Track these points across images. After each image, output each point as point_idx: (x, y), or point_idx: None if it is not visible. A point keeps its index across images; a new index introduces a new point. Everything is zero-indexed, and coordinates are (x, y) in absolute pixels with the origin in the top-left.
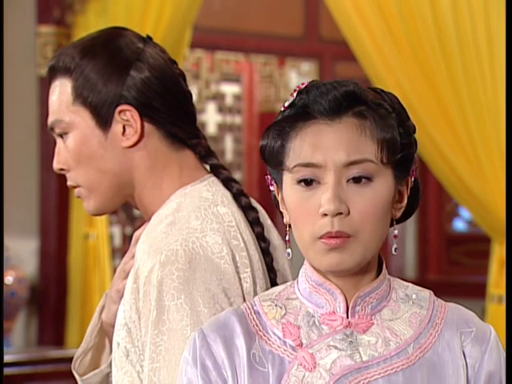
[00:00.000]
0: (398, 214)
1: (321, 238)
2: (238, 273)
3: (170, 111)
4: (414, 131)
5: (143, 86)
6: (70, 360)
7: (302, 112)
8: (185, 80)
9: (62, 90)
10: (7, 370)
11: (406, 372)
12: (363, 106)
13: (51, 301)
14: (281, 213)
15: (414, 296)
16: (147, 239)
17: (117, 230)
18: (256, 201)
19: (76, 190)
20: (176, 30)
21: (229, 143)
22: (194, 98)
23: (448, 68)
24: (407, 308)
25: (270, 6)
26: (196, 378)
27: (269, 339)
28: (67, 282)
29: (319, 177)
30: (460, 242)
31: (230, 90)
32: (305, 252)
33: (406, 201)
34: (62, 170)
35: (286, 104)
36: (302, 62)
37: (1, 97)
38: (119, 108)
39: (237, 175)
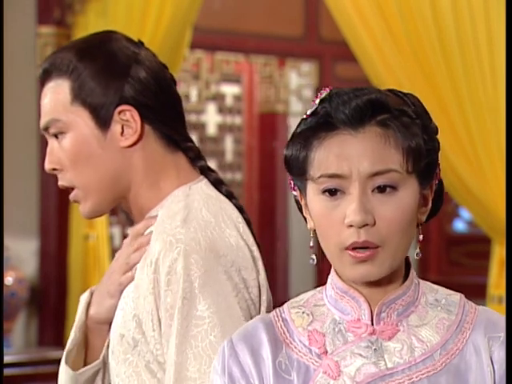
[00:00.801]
0: (423, 218)
1: (347, 248)
2: (255, 265)
3: (166, 113)
4: (437, 132)
5: (142, 87)
6: None
7: (324, 121)
8: (175, 84)
9: (58, 91)
10: (7, 371)
11: (431, 379)
12: (386, 114)
13: (51, 301)
14: (305, 218)
15: (443, 301)
16: (163, 232)
17: (117, 231)
18: (256, 201)
19: (72, 194)
20: (176, 31)
21: (229, 144)
22: (194, 98)
23: (448, 68)
24: (435, 313)
25: (270, 7)
26: None
27: (295, 347)
28: (67, 282)
29: (344, 187)
30: (460, 243)
31: (230, 90)
32: (332, 262)
33: (430, 204)
34: (54, 169)
35: (309, 112)
36: (302, 63)
37: (1, 97)
38: (119, 108)
39: (237, 176)
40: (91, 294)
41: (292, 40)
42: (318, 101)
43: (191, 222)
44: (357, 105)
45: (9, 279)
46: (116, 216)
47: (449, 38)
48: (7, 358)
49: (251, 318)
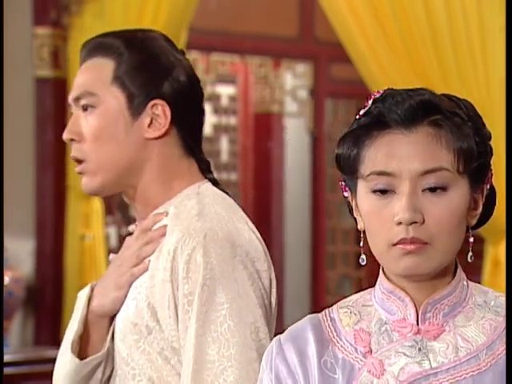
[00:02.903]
0: (473, 222)
1: (396, 244)
2: (266, 257)
3: (192, 120)
4: (490, 138)
5: (179, 89)
6: None
7: (377, 121)
8: (203, 99)
9: (101, 68)
10: (3, 370)
11: (475, 378)
12: (439, 115)
13: (48, 301)
14: (355, 219)
15: (492, 302)
16: (180, 224)
17: (113, 231)
18: (251, 202)
19: (80, 166)
20: (172, 32)
21: (224, 144)
22: None
23: (441, 68)
24: (482, 314)
25: (266, 8)
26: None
27: (341, 346)
28: (63, 282)
29: (394, 186)
30: None
31: (225, 91)
32: (380, 258)
33: (480, 208)
34: (71, 140)
35: (362, 112)
36: (297, 64)
37: (1, 98)
38: (153, 101)
39: (232, 176)
40: (91, 289)
41: (287, 41)
42: (371, 101)
43: (206, 216)
44: (410, 105)
45: (5, 279)
46: (112, 216)
47: (442, 38)
48: (3, 357)
49: (265, 307)
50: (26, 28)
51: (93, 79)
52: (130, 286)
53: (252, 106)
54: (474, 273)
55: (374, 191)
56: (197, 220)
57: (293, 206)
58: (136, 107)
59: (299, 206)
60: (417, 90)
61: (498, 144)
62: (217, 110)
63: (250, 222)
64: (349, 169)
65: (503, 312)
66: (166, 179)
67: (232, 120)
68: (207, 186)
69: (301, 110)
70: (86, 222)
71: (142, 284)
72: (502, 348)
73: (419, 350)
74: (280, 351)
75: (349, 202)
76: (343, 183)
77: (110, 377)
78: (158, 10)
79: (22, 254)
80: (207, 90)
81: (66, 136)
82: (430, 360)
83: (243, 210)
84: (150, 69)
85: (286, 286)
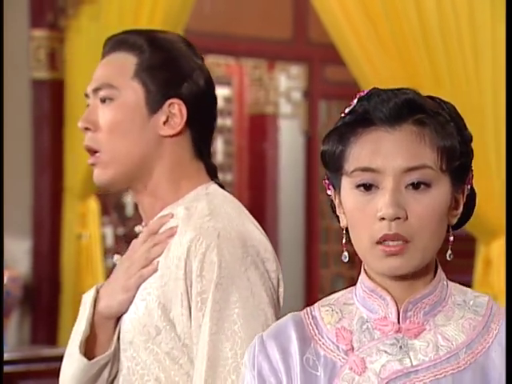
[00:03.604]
0: (454, 221)
1: (379, 242)
2: (274, 258)
3: (206, 125)
4: (471, 140)
5: (197, 92)
6: (62, 359)
7: (362, 118)
8: (217, 107)
9: (123, 62)
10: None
11: (455, 376)
12: (423, 114)
13: (44, 300)
14: (337, 217)
15: (471, 302)
16: (193, 224)
17: (109, 231)
18: (246, 202)
19: (93, 157)
20: None
21: (219, 145)
22: None
23: (433, 68)
24: (462, 313)
25: (260, 11)
26: (253, 381)
27: (323, 343)
28: (60, 281)
29: (378, 182)
30: (446, 242)
31: (220, 92)
32: (363, 256)
33: (461, 208)
34: (86, 129)
35: (347, 110)
36: (291, 66)
37: (1, 99)
38: (171, 100)
39: (227, 177)
40: (97, 291)
41: (281, 43)
42: (356, 100)
43: (218, 215)
44: (395, 103)
45: None
46: (108, 216)
47: (434, 39)
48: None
49: (275, 306)
50: (23, 30)
51: (114, 72)
52: (138, 288)
53: (247, 108)
54: (466, 272)
55: (358, 186)
56: (209, 220)
57: (287, 205)
58: (154, 104)
59: (293, 205)
60: (402, 89)
61: (489, 143)
62: None
63: (256, 223)
64: (334, 165)
65: (483, 312)
66: (175, 178)
67: (227, 121)
68: (214, 187)
69: (295, 111)
70: (83, 222)
71: (151, 285)
72: (480, 347)
73: (400, 347)
74: (262, 348)
75: (331, 200)
76: (327, 181)
77: (114, 377)
78: (153, 13)
79: (19, 253)
80: None
81: (81, 124)
82: (410, 358)
83: None
84: (171, 69)
85: None
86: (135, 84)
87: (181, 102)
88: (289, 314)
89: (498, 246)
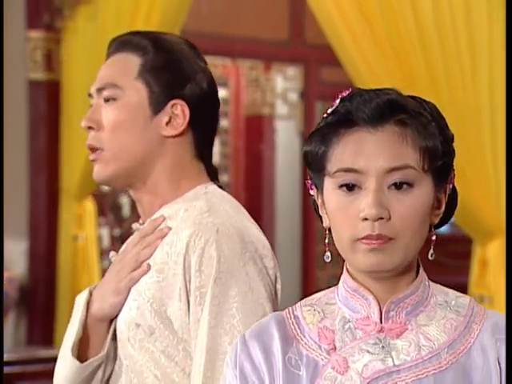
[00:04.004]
0: (436, 220)
1: (361, 239)
2: (272, 255)
3: (208, 126)
4: (453, 140)
5: (200, 94)
6: None
7: (344, 119)
8: (219, 110)
9: (128, 63)
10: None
11: (437, 376)
12: (405, 114)
13: (40, 301)
14: (320, 217)
15: (452, 302)
16: (191, 221)
17: (105, 232)
18: (243, 203)
19: (95, 154)
20: None
21: (216, 146)
22: None
23: (429, 70)
24: (444, 314)
25: (257, 12)
26: (235, 380)
27: (305, 343)
28: (56, 282)
29: (361, 182)
30: (442, 243)
31: None
32: (344, 254)
33: (443, 207)
34: (90, 128)
35: (329, 110)
36: (287, 67)
37: (1, 100)
38: (174, 101)
39: (223, 178)
40: (90, 293)
41: (278, 44)
42: (338, 100)
43: (217, 212)
44: (377, 104)
45: None
46: (105, 217)
47: (430, 40)
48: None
49: (273, 302)
50: (20, 31)
51: (118, 72)
52: (130, 290)
53: (243, 109)
54: (462, 273)
55: (341, 186)
56: (208, 216)
57: (283, 206)
58: (157, 104)
59: (290, 206)
60: (384, 89)
61: (485, 143)
62: None
63: (254, 222)
64: (316, 166)
65: (464, 312)
66: (175, 178)
67: (224, 122)
68: (214, 187)
69: (291, 112)
70: (79, 223)
71: (144, 285)
72: (462, 347)
73: (382, 347)
74: (244, 348)
75: (314, 200)
76: (310, 181)
77: (109, 377)
78: (150, 14)
79: (16, 254)
80: None
81: (85, 123)
82: (393, 357)
83: None
84: (174, 70)
85: None
86: (139, 84)
87: (184, 103)
88: (270, 314)
89: (495, 247)
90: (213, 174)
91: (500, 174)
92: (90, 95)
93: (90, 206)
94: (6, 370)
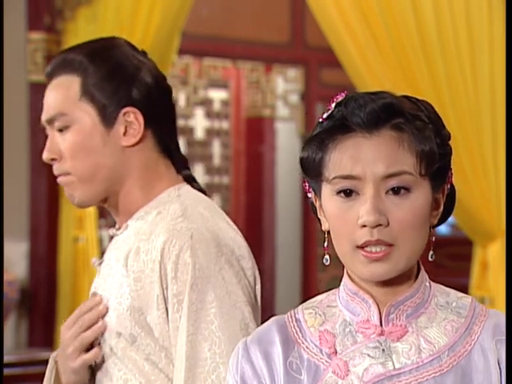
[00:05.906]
0: (435, 221)
1: (360, 247)
2: (249, 255)
3: (165, 120)
4: (449, 138)
5: (148, 92)
6: None
7: (340, 124)
8: (171, 95)
9: (68, 86)
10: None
11: (437, 379)
12: (401, 119)
13: (41, 303)
14: (318, 219)
15: (454, 303)
16: (165, 226)
17: (106, 234)
18: (243, 205)
19: (64, 178)
20: (165, 37)
21: (216, 148)
22: (182, 103)
23: (430, 74)
24: (444, 315)
25: (257, 14)
26: None
27: (307, 347)
28: (57, 284)
29: (358, 188)
30: (443, 245)
31: (217, 95)
32: (345, 261)
33: (442, 207)
34: (52, 159)
35: (325, 116)
36: (288, 69)
37: (1, 101)
38: (125, 110)
39: (224, 179)
40: (55, 362)
41: (278, 46)
42: (333, 104)
43: (191, 216)
44: (372, 108)
45: None
46: (105, 219)
47: (431, 43)
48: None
49: (252, 304)
50: (20, 33)
51: (61, 98)
52: (87, 368)
53: (244, 111)
54: (463, 275)
55: (339, 192)
56: (181, 221)
57: (284, 208)
58: (108, 118)
59: (290, 208)
60: (379, 93)
61: (486, 146)
62: (209, 115)
63: (230, 221)
64: (313, 172)
65: (465, 313)
66: (146, 183)
67: (224, 124)
68: (186, 188)
69: (292, 114)
70: (80, 225)
71: (123, 294)
72: (463, 349)
73: (383, 351)
74: (246, 353)
75: (312, 203)
76: (307, 184)
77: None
78: (150, 16)
79: (16, 256)
80: (200, 94)
81: (46, 156)
82: (393, 361)
83: (235, 212)
84: (117, 78)
85: (278, 287)
86: (84, 105)
87: (135, 110)
88: (272, 318)
89: (495, 249)
90: (181, 166)
91: (500, 175)
92: (42, 125)
93: (90, 207)
94: (7, 371)
